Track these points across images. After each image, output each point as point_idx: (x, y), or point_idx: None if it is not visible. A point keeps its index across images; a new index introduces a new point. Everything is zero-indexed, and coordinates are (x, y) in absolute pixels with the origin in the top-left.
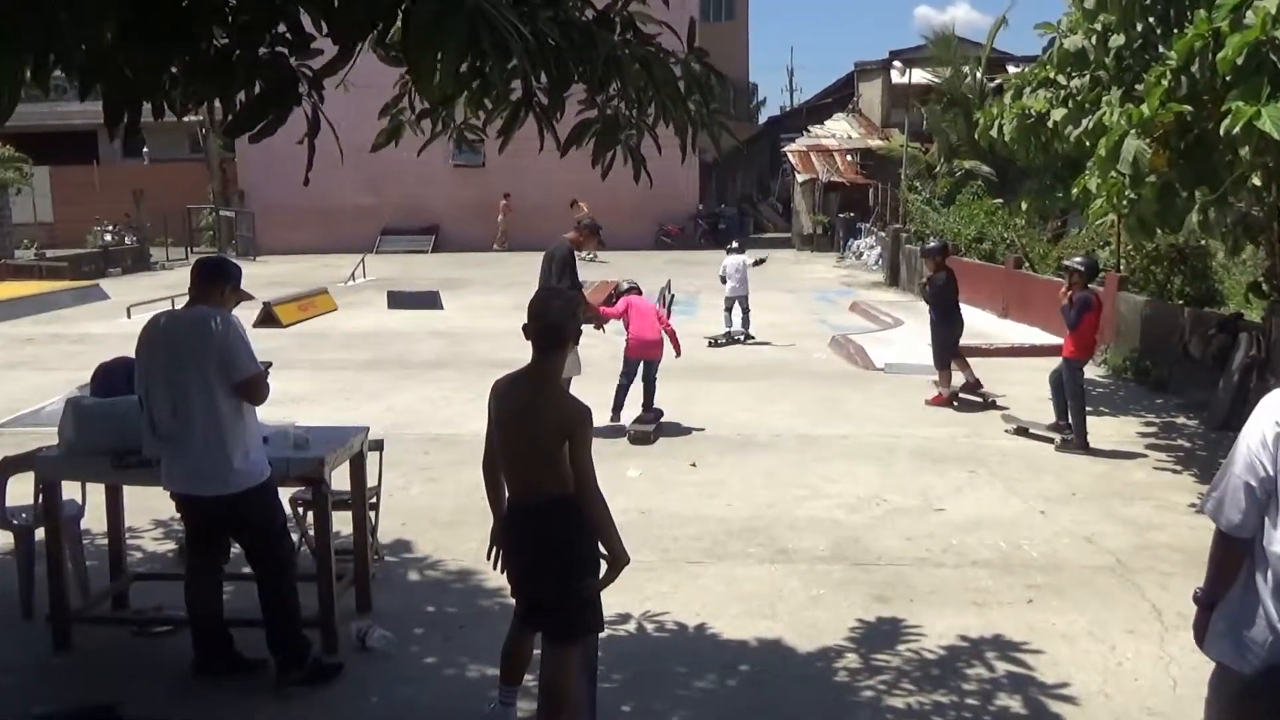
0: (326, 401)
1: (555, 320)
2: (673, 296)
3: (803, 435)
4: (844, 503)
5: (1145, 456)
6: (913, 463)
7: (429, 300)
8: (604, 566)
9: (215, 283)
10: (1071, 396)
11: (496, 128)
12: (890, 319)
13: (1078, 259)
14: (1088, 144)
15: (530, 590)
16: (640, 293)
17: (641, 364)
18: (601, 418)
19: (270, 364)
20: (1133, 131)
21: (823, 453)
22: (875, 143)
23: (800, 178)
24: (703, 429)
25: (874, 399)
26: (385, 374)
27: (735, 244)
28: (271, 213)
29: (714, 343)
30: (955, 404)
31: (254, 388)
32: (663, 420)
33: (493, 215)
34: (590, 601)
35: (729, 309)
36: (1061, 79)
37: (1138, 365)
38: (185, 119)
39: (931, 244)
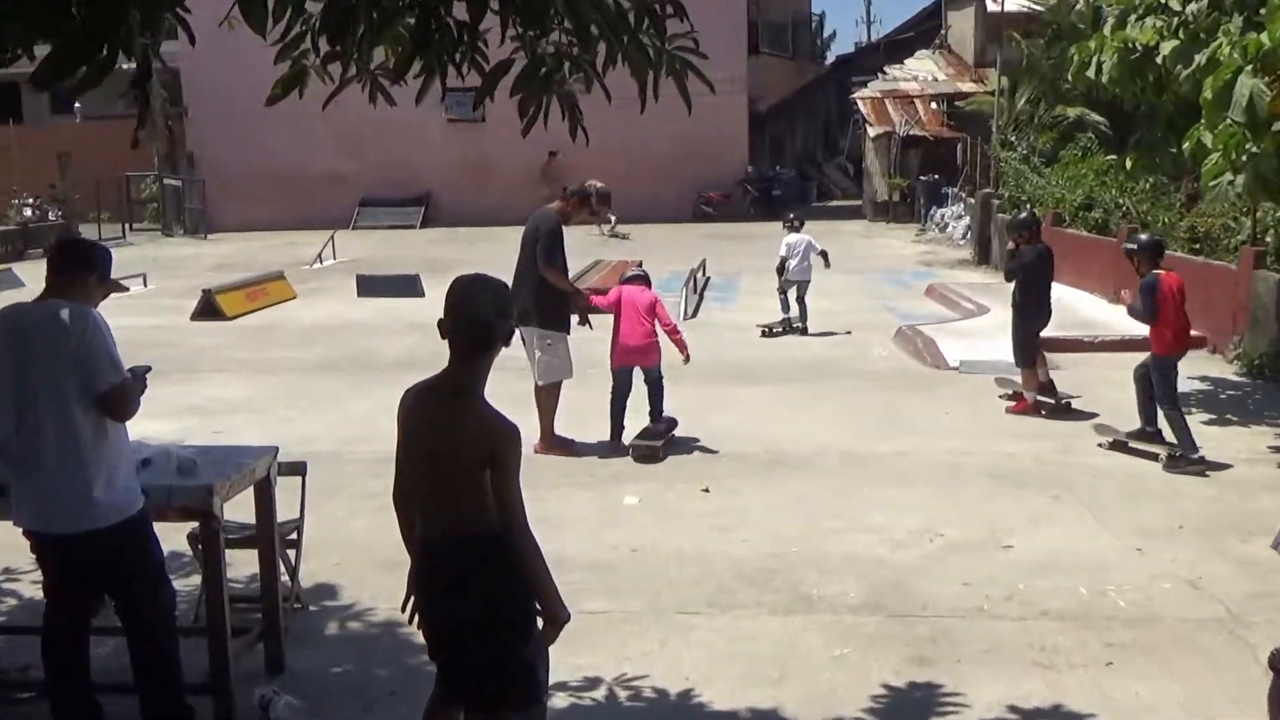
0: (267, 411)
1: (483, 317)
2: (707, 280)
3: (847, 452)
4: (889, 537)
5: None
6: (982, 486)
7: (407, 286)
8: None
9: (77, 271)
10: (1165, 402)
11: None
12: (973, 305)
13: (1135, 239)
14: (1200, 84)
15: (448, 650)
16: (645, 280)
17: (635, 370)
18: (595, 433)
19: (148, 369)
20: (1248, 68)
21: (870, 474)
22: (966, 85)
23: (873, 131)
24: (723, 445)
25: (942, 406)
26: (343, 377)
27: (794, 217)
28: (227, 181)
29: (769, 331)
30: (1043, 412)
31: (118, 401)
32: (675, 432)
33: (494, 181)
34: (527, 665)
35: (783, 291)
36: (1175, 3)
37: (1278, 362)
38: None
39: (1022, 215)
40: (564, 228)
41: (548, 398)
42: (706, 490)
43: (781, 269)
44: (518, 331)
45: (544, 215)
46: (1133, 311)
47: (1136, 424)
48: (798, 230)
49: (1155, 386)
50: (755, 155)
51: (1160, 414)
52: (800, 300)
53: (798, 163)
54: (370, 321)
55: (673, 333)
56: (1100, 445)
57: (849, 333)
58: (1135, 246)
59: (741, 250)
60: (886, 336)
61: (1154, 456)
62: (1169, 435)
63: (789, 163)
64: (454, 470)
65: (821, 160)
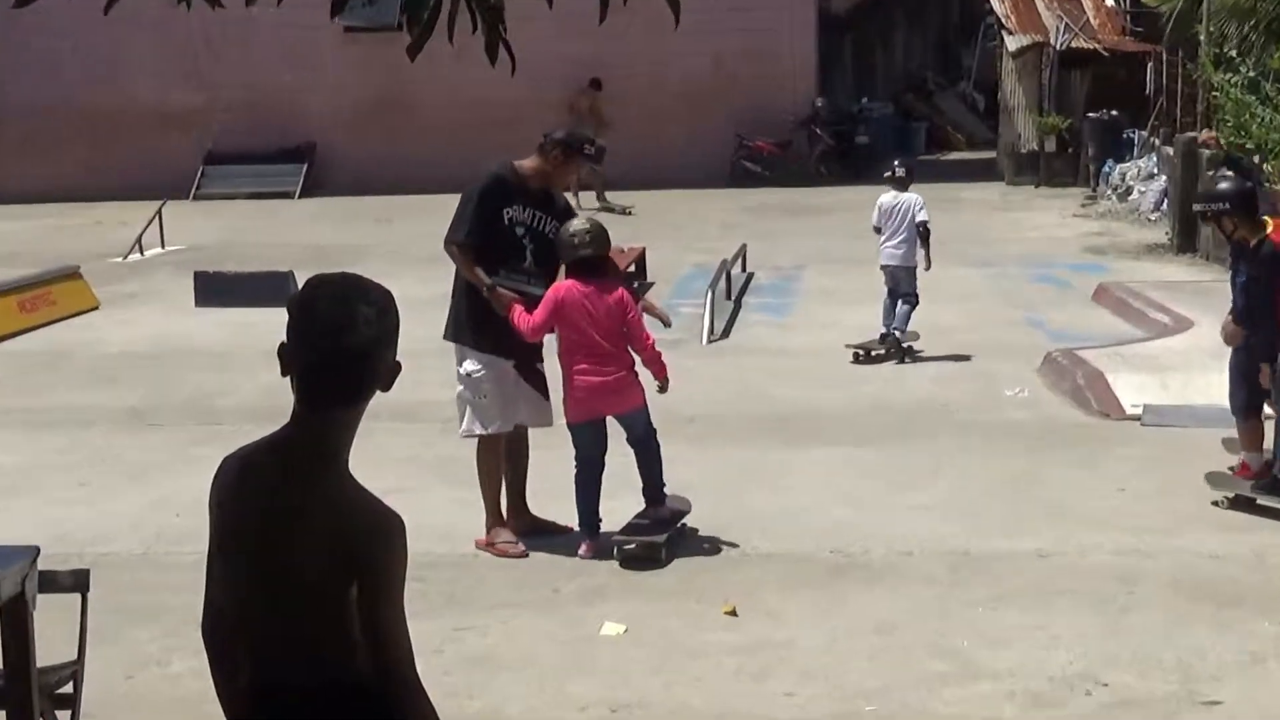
0: (39, 489)
1: (350, 344)
2: (748, 278)
3: (958, 552)
4: (1024, 688)
5: None
6: (1171, 606)
7: (273, 290)
8: None
9: None
10: None
11: None
12: (1168, 318)
13: (1219, 190)
14: None
15: None
16: (600, 264)
17: (602, 423)
18: (565, 515)
19: None
20: None
21: (994, 586)
22: None
23: (1014, 42)
24: (762, 541)
25: (1112, 477)
26: (165, 435)
27: (900, 168)
28: (10, 123)
29: (861, 356)
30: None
31: None
32: (686, 520)
33: (417, 126)
34: None
35: (893, 292)
36: None
37: None
38: None
39: (1223, 184)
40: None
41: (484, 458)
42: (733, 613)
43: (879, 233)
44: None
45: (488, 175)
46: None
47: None
48: (902, 186)
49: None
50: (828, 81)
51: None
52: (906, 298)
53: (896, 93)
54: (213, 346)
55: (647, 351)
56: (1219, 503)
57: (967, 359)
58: (1227, 203)
59: (805, 229)
60: (1027, 366)
61: None
62: None
63: (882, 92)
64: (298, 587)
65: (934, 89)
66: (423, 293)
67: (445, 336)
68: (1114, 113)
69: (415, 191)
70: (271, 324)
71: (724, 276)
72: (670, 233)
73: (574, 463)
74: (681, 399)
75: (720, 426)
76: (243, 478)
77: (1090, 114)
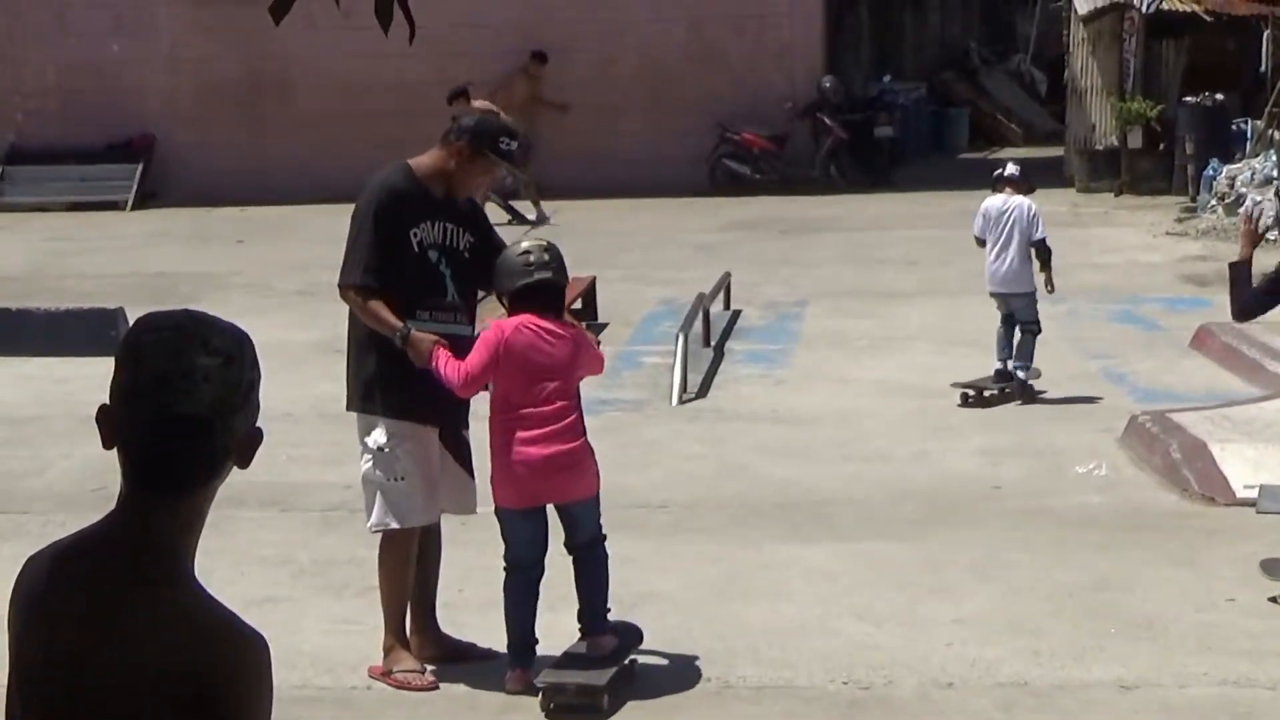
0: None
1: (189, 407)
2: (733, 317)
3: (1011, 684)
4: None
5: None
6: None
7: (93, 332)
8: None
9: None
10: None
11: None
12: None
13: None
14: None
15: None
16: (557, 293)
17: (544, 513)
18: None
19: None
20: None
21: None
22: None
23: (1084, 4)
24: (750, 673)
25: (1217, 583)
26: None
27: (1013, 166)
28: None
29: (971, 398)
30: None
31: None
32: (635, 656)
33: (288, 115)
34: None
35: (1007, 320)
36: None
37: None
38: None
39: None
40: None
41: (389, 559)
42: None
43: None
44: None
45: (376, 174)
46: None
47: None
48: (1014, 186)
49: None
50: (840, 55)
51: None
52: (1026, 326)
53: (929, 71)
54: (15, 409)
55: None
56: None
57: (1024, 425)
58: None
59: (808, 253)
60: (1105, 434)
61: None
62: None
63: (911, 70)
64: None
65: (979, 65)
66: (298, 336)
67: (349, 407)
68: (1219, 96)
69: (285, 201)
70: (94, 379)
71: (700, 316)
72: (629, 257)
73: (503, 565)
74: (645, 480)
75: (696, 516)
76: (53, 585)
77: (1187, 98)
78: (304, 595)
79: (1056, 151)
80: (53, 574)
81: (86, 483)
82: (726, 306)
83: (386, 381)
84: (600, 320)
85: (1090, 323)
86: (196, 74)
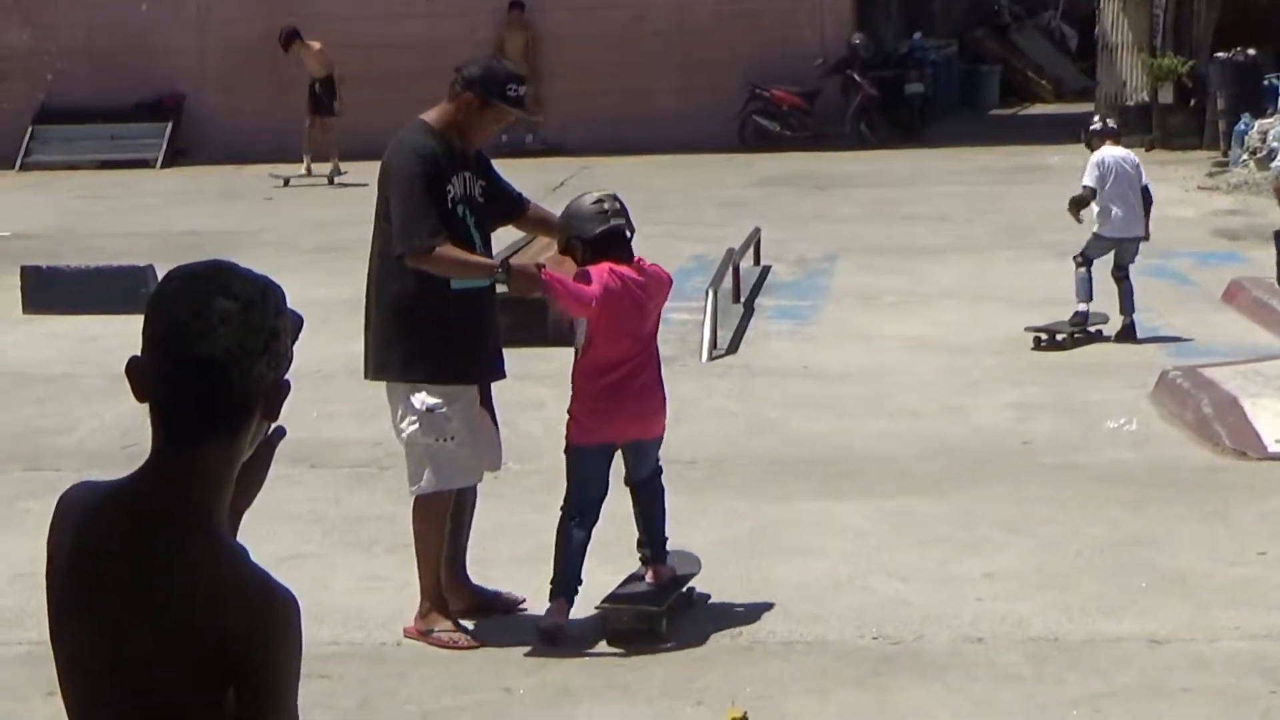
0: None
1: (207, 350)
2: (763, 272)
3: (1042, 639)
4: None
5: None
6: None
7: (123, 290)
8: None
9: None
10: None
11: None
12: None
13: None
14: None
15: None
16: (625, 255)
17: (621, 453)
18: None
19: None
20: None
21: (1090, 685)
22: None
23: None
24: (785, 622)
25: (1249, 538)
26: None
27: (1106, 120)
28: None
29: (1043, 340)
30: None
31: None
32: (694, 585)
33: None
34: None
35: (1087, 261)
36: None
37: None
38: None
39: None
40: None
41: (429, 519)
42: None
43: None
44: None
45: (400, 138)
46: None
47: None
48: (1114, 139)
49: None
50: (870, 12)
51: None
52: (1122, 275)
53: (960, 27)
54: (46, 367)
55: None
56: None
57: (1056, 381)
58: None
59: (838, 209)
60: (1136, 389)
61: None
62: None
63: (941, 27)
64: (151, 698)
65: (1010, 21)
66: (327, 293)
67: (379, 376)
68: (1251, 52)
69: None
70: (123, 337)
71: (730, 272)
72: (659, 214)
73: (563, 506)
74: (674, 436)
75: (726, 472)
76: (91, 527)
77: (1219, 54)
78: (334, 552)
79: (1087, 107)
80: (93, 517)
81: (117, 440)
82: (756, 262)
83: (431, 346)
84: None
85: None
86: (224, 33)
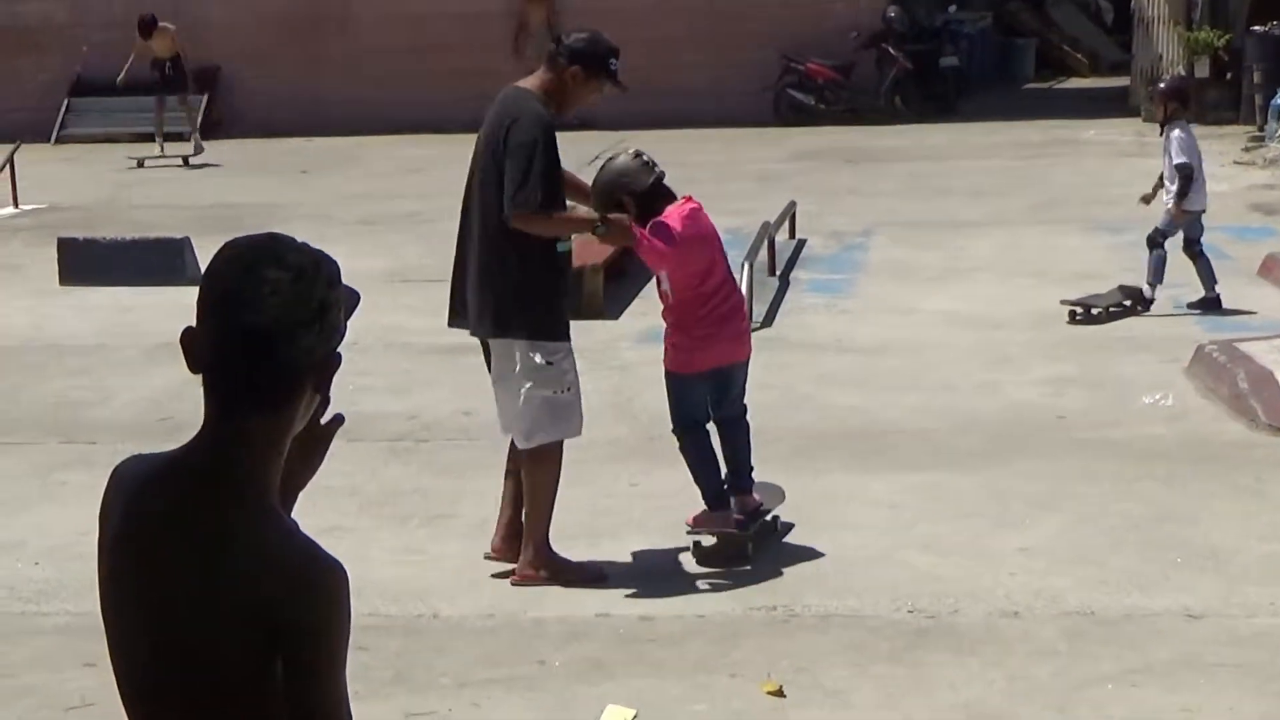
0: None
1: (256, 321)
2: (798, 246)
3: (1077, 613)
4: None
5: None
6: None
7: (160, 262)
8: None
9: None
10: None
11: None
12: None
13: None
14: None
15: None
16: (671, 196)
17: (716, 375)
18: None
19: None
20: None
21: (1125, 660)
22: None
23: None
24: (819, 597)
25: None
26: (18, 458)
27: (1175, 84)
28: None
29: (1079, 314)
30: None
31: None
32: (776, 513)
33: (354, 45)
34: None
35: (1160, 240)
36: None
37: None
38: None
39: None
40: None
41: (541, 474)
42: (778, 693)
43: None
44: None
45: (515, 102)
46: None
47: None
48: (1189, 119)
49: None
50: None
51: None
52: (1199, 251)
53: (994, 1)
54: (82, 338)
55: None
56: None
57: (1090, 355)
58: None
59: (873, 183)
60: (1171, 364)
61: None
62: None
63: (974, 0)
64: (202, 665)
65: None
66: (363, 265)
67: (505, 333)
68: None
69: (348, 132)
70: (159, 309)
71: (766, 245)
72: (693, 189)
73: (674, 430)
74: None
75: (760, 445)
76: (140, 500)
77: (1255, 26)
78: (370, 525)
79: (1123, 82)
80: (142, 489)
81: (153, 413)
82: (791, 236)
83: (550, 304)
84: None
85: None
86: (259, 6)
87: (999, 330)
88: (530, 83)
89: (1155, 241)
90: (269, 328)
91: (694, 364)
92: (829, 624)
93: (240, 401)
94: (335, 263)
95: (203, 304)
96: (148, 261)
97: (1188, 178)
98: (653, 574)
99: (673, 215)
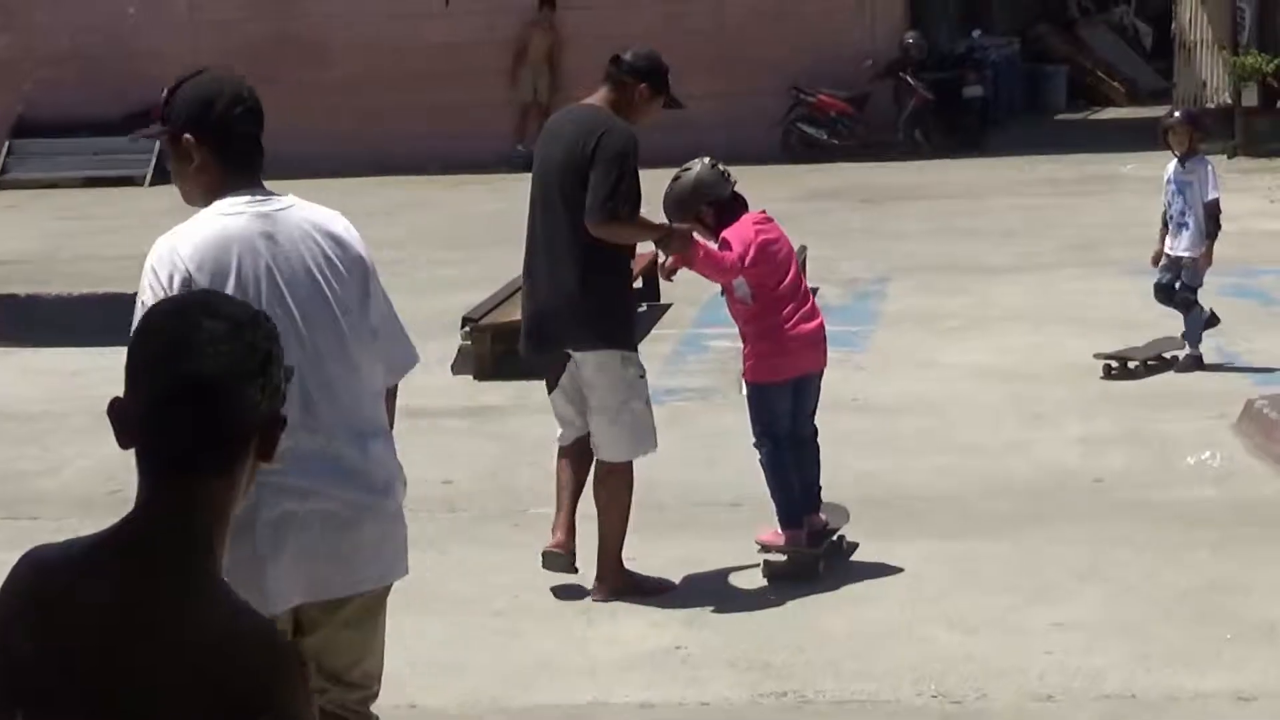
0: None
1: (196, 371)
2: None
3: (1118, 696)
4: None
5: None
6: None
7: (110, 321)
8: None
9: None
10: None
11: None
12: None
13: None
14: None
15: None
16: (744, 205)
17: (796, 386)
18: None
19: None
20: None
21: None
22: None
23: None
24: (831, 680)
25: None
26: None
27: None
28: None
29: (1114, 368)
30: None
31: None
32: (843, 533)
33: (327, 78)
34: None
35: (1194, 296)
36: None
37: None
38: None
39: None
40: None
41: (623, 489)
42: None
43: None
44: (568, 368)
45: (595, 117)
46: None
47: None
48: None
49: None
50: (924, 8)
51: None
52: (1195, 300)
53: (1023, 24)
54: (25, 405)
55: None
56: None
57: (1130, 411)
58: None
59: (891, 225)
60: (1219, 420)
61: None
62: None
63: (1002, 24)
64: None
65: (1078, 17)
66: None
67: (610, 344)
68: None
69: (316, 174)
70: (109, 371)
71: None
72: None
73: (756, 442)
74: (714, 476)
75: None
76: (64, 596)
77: None
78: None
79: (1163, 111)
80: (65, 580)
81: (103, 484)
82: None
83: (632, 314)
84: (663, 301)
85: (1199, 297)
86: (220, 37)
87: (1030, 385)
88: (598, 99)
89: (1189, 301)
90: (215, 379)
91: (780, 371)
92: (844, 710)
93: (187, 462)
94: (272, 320)
95: (136, 367)
96: (98, 319)
97: (1216, 215)
98: (653, 656)
99: (746, 224)
